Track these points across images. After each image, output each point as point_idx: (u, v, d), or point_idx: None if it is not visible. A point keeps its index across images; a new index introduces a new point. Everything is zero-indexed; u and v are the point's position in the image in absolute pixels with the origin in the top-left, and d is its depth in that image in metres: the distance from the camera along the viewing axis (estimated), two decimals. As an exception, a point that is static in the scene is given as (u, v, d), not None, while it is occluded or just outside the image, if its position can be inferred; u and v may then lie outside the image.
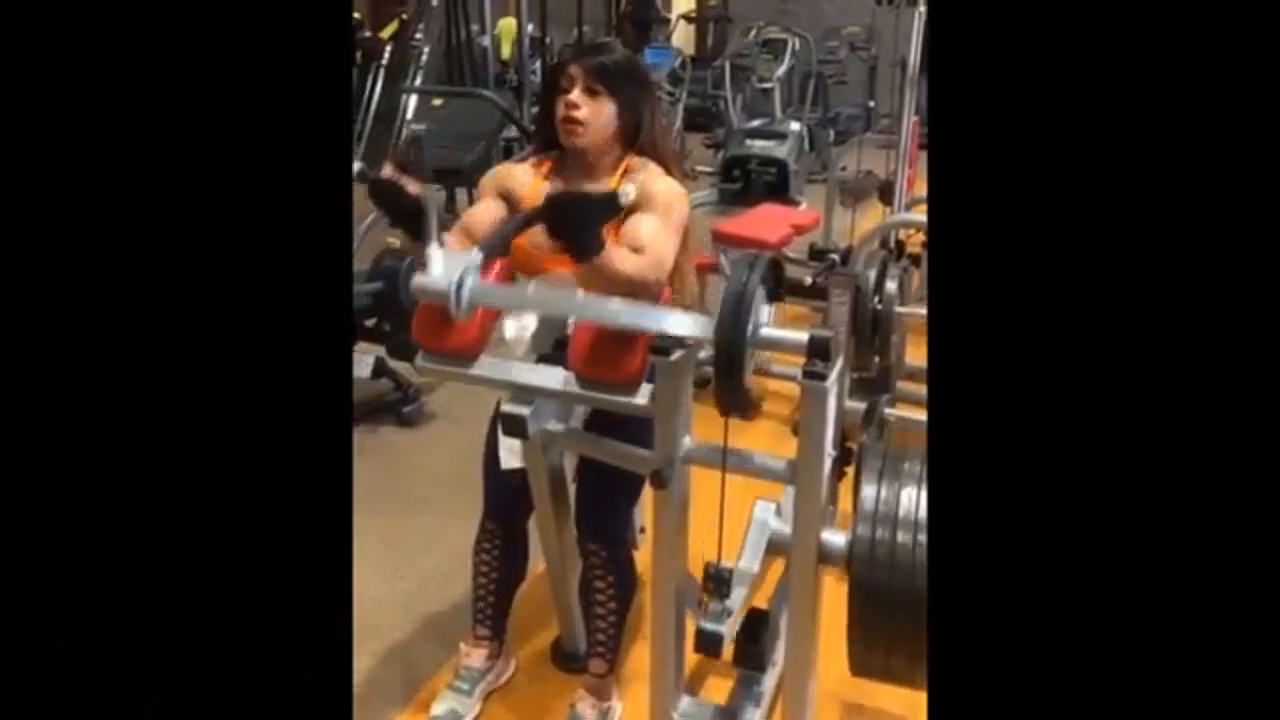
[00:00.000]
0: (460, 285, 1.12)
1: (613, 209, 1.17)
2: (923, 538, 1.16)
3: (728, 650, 1.34)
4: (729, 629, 1.29)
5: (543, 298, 1.18)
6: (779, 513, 1.38)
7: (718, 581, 1.27)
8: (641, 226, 1.41)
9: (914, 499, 1.19)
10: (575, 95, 1.45)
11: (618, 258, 1.31)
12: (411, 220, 1.22)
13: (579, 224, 1.21)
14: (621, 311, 1.18)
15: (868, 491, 1.21)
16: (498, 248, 1.20)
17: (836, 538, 1.27)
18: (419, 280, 1.14)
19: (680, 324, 1.17)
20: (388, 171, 1.25)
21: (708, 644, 1.28)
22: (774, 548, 1.36)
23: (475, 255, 1.15)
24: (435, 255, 1.14)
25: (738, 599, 1.30)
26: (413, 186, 1.25)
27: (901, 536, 1.17)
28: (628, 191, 1.18)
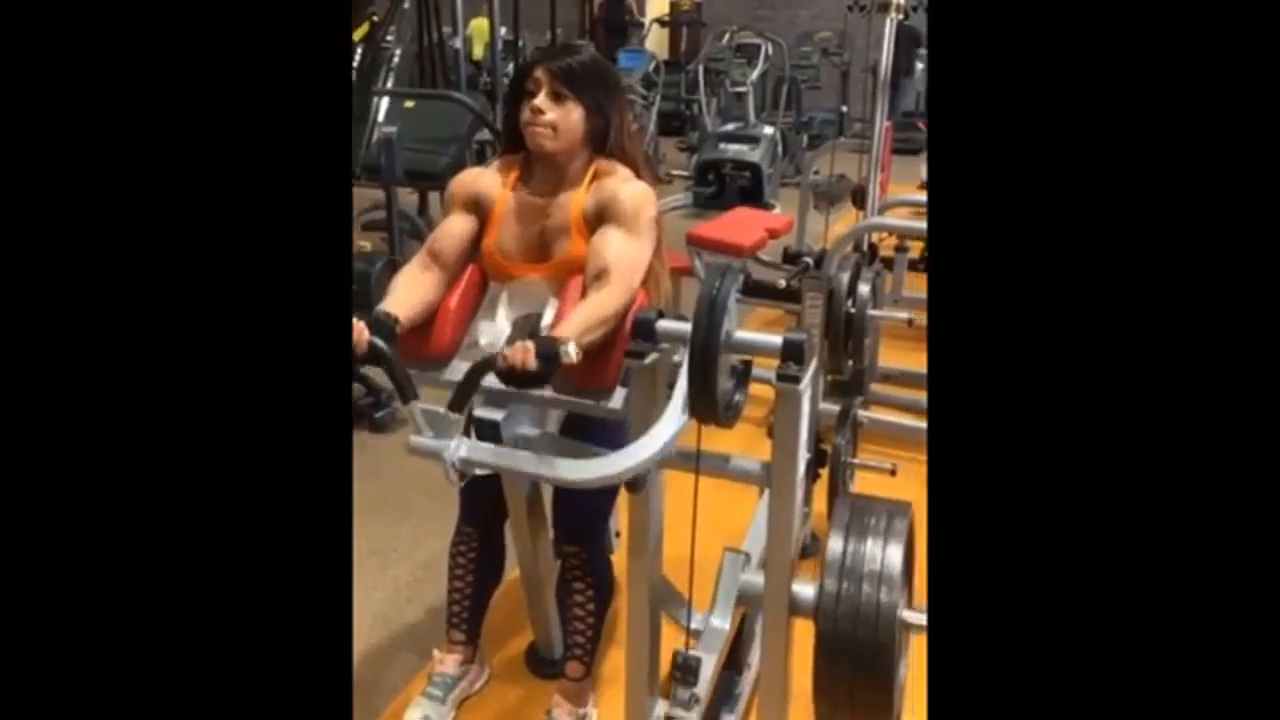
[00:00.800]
0: (455, 453, 1.21)
1: (554, 365, 1.23)
2: (885, 593, 1.19)
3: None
4: (697, 716, 1.31)
5: (531, 469, 1.26)
6: (748, 562, 1.40)
7: (685, 670, 1.27)
8: (608, 245, 1.39)
9: (879, 553, 1.22)
10: (541, 100, 1.43)
11: (587, 334, 1.30)
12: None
13: (531, 383, 1.26)
14: (603, 473, 1.20)
15: (835, 545, 1.24)
16: (462, 402, 1.27)
17: (806, 589, 1.29)
18: (415, 442, 1.22)
19: (665, 448, 1.18)
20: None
21: None
22: (745, 598, 1.38)
23: (455, 418, 1.24)
24: (418, 413, 1.23)
25: (709, 668, 1.32)
26: (361, 334, 1.31)
27: (866, 590, 1.20)
28: (569, 351, 1.21)
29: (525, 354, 1.22)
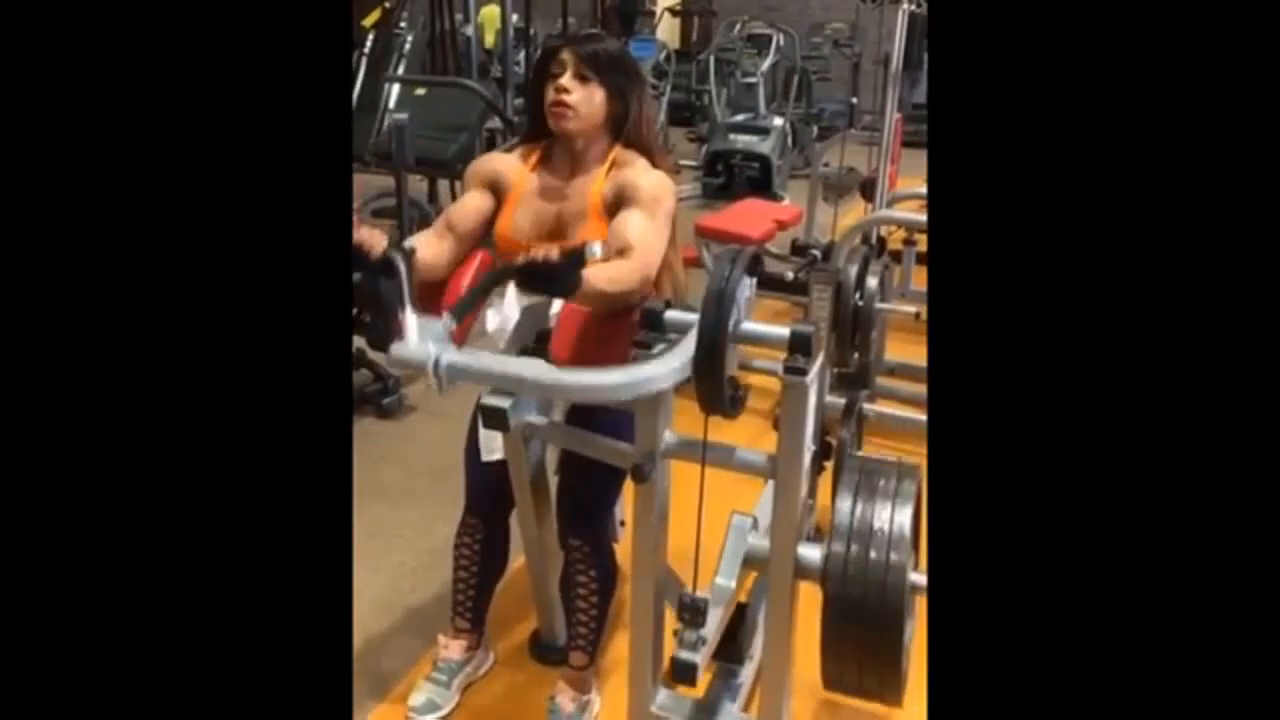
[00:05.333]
0: (439, 362, 1.12)
1: (579, 265, 1.18)
2: (895, 555, 1.18)
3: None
4: (704, 659, 1.30)
5: (517, 373, 1.18)
6: (755, 526, 1.39)
7: (693, 612, 1.27)
8: (629, 224, 1.41)
9: (888, 515, 1.21)
10: (566, 80, 1.46)
11: (601, 280, 1.28)
12: (380, 282, 1.18)
13: (549, 285, 1.22)
14: (604, 388, 1.16)
15: (843, 507, 1.23)
16: (468, 309, 1.21)
17: (812, 552, 1.29)
18: (397, 350, 1.15)
19: (663, 378, 1.17)
20: (357, 234, 1.21)
21: (682, 674, 1.27)
22: (751, 562, 1.37)
23: (447, 322, 1.15)
24: (410, 323, 1.14)
25: (714, 621, 1.32)
26: (379, 241, 1.22)
27: (874, 553, 1.19)
28: (594, 250, 1.17)
29: (550, 250, 1.16)
